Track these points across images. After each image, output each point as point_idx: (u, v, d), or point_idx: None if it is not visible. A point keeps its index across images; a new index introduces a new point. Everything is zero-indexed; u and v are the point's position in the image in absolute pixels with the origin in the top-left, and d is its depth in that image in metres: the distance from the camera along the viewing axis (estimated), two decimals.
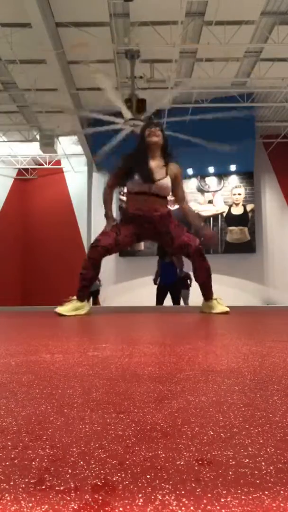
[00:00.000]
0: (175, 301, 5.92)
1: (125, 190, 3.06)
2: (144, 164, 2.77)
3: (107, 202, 2.99)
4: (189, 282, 6.47)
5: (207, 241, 2.92)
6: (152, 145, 2.79)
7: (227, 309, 2.73)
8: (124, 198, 9.09)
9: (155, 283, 6.00)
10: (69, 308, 2.71)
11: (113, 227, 2.85)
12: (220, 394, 0.59)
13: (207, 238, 3.15)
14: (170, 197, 2.99)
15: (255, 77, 7.92)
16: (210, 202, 10.94)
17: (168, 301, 6.03)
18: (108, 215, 2.93)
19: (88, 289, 2.89)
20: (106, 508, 0.28)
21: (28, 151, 11.12)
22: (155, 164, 2.80)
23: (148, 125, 2.93)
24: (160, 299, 5.93)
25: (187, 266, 5.04)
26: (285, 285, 10.25)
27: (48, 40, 6.28)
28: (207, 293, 2.86)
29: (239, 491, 0.31)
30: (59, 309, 2.67)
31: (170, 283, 5.90)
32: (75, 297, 2.80)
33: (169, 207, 2.98)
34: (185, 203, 3.05)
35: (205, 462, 0.36)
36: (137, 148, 2.89)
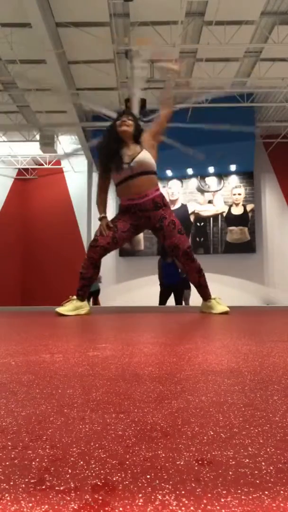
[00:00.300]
0: (178, 301, 5.91)
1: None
2: (115, 153, 2.76)
3: (99, 205, 2.95)
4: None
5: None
6: (122, 134, 2.78)
7: (227, 308, 2.72)
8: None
9: (162, 285, 6.00)
10: (69, 308, 2.71)
11: (109, 227, 2.80)
12: (220, 394, 0.59)
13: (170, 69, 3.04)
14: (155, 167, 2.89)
15: (255, 77, 7.92)
16: (210, 202, 10.95)
17: (170, 301, 6.03)
18: (100, 218, 2.87)
19: (88, 289, 2.89)
20: (106, 508, 0.28)
21: (28, 151, 11.12)
22: (129, 151, 2.77)
23: (120, 115, 2.88)
24: (163, 299, 5.93)
25: None
26: (285, 285, 10.25)
27: (48, 40, 6.29)
28: (203, 293, 2.86)
29: (239, 491, 0.31)
30: (60, 309, 2.67)
31: (173, 283, 5.89)
32: (75, 297, 2.80)
33: (158, 188, 2.90)
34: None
35: (205, 462, 0.36)
36: (107, 140, 2.87)
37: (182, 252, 2.81)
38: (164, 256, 5.82)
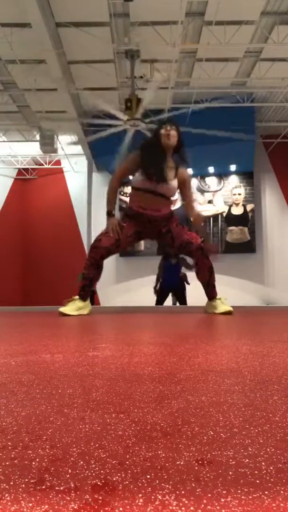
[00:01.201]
0: (183, 302, 5.84)
1: (129, 187, 3.04)
2: (157, 163, 2.73)
3: (110, 199, 2.91)
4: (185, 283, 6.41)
5: (208, 252, 2.91)
6: (165, 146, 2.75)
7: (230, 308, 2.71)
8: (124, 198, 9.10)
9: (155, 290, 5.88)
10: (72, 308, 2.71)
11: (116, 231, 2.79)
12: (220, 394, 0.59)
13: (207, 250, 3.11)
14: (175, 197, 2.99)
15: (255, 77, 7.92)
16: (210, 202, 10.94)
17: (167, 303, 5.98)
18: (110, 214, 2.85)
19: (90, 289, 2.89)
20: (106, 508, 0.28)
21: (28, 151, 11.12)
22: (168, 169, 2.77)
23: (164, 122, 2.84)
24: (160, 300, 5.86)
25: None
26: (285, 285, 10.25)
27: (48, 40, 6.28)
28: (210, 292, 2.85)
29: (239, 491, 0.31)
30: (63, 309, 2.67)
31: (175, 286, 5.81)
32: (77, 297, 2.79)
33: (171, 207, 2.97)
34: (192, 205, 3.06)
35: (205, 462, 0.36)
36: (150, 143, 2.85)
37: (196, 247, 2.81)
38: (166, 257, 5.69)
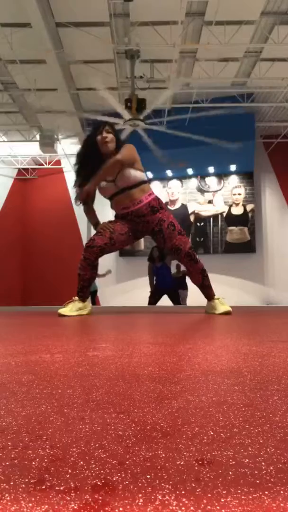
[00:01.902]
0: (176, 303, 5.88)
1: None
2: (95, 167, 2.67)
3: (89, 215, 2.89)
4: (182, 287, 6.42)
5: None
6: (104, 151, 2.72)
7: (229, 308, 2.72)
8: None
9: (154, 289, 5.90)
10: (71, 308, 2.71)
11: (107, 227, 2.77)
12: (220, 394, 0.59)
13: None
14: (144, 178, 2.82)
15: (255, 77, 7.92)
16: (210, 202, 10.95)
17: (162, 303, 5.99)
18: (95, 226, 2.85)
19: (88, 289, 2.89)
20: (106, 508, 0.28)
21: (28, 151, 11.12)
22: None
23: (98, 128, 2.78)
24: (153, 302, 5.87)
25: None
26: (285, 285, 10.25)
27: (48, 40, 6.29)
28: (207, 293, 2.85)
29: (239, 491, 0.31)
30: (62, 310, 2.67)
31: (166, 288, 5.84)
32: (76, 298, 2.80)
33: (151, 194, 2.83)
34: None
35: (205, 462, 0.36)
36: (87, 154, 2.78)
37: (184, 254, 2.80)
38: (152, 260, 5.78)
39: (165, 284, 5.78)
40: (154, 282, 5.87)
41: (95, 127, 2.87)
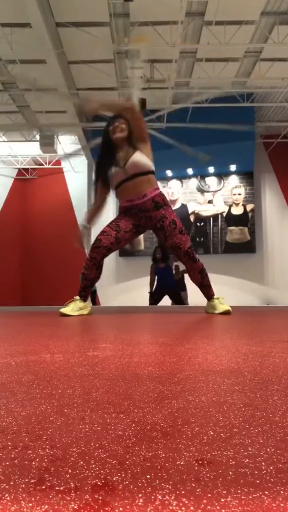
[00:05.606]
0: (179, 304, 5.87)
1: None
2: (112, 159, 2.77)
3: (90, 214, 3.02)
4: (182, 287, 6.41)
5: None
6: (116, 141, 2.78)
7: (229, 308, 2.72)
8: None
9: (151, 295, 5.89)
10: (73, 308, 2.72)
11: (111, 225, 2.83)
12: (220, 394, 0.59)
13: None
14: (151, 167, 2.82)
15: (255, 77, 7.92)
16: (210, 202, 10.94)
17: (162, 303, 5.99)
18: (86, 228, 2.95)
19: (90, 289, 2.90)
20: (106, 508, 0.28)
21: (28, 151, 11.11)
22: (122, 154, 2.77)
23: (111, 120, 2.85)
24: (153, 302, 5.87)
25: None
26: (285, 285, 10.25)
27: (48, 40, 6.29)
28: (206, 292, 2.85)
29: (239, 491, 0.31)
30: (64, 310, 2.68)
31: (168, 289, 5.83)
32: (78, 297, 2.80)
33: (157, 190, 2.86)
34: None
35: (205, 462, 0.36)
36: (102, 147, 2.88)
37: (183, 253, 2.80)
38: (156, 261, 5.78)
39: (167, 285, 5.77)
40: (156, 283, 5.87)
41: (109, 120, 2.92)
